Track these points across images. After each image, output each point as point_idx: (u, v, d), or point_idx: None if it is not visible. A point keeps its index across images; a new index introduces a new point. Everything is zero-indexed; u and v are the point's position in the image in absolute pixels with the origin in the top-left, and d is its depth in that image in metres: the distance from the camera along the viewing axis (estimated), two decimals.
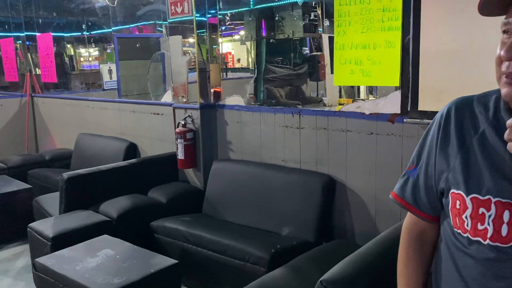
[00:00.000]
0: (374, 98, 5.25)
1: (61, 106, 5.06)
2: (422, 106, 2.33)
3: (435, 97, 2.27)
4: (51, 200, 3.45)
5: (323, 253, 2.36)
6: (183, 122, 3.39)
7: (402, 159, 2.39)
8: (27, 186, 3.88)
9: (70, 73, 8.06)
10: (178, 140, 3.34)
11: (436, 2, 2.20)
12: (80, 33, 7.40)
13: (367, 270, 1.71)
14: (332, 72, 5.88)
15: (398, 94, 2.43)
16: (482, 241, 0.92)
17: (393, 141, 2.43)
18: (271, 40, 6.39)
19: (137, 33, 6.91)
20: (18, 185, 3.86)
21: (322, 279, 1.63)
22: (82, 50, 10.30)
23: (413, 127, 2.34)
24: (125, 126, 4.15)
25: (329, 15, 5.81)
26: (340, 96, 5.91)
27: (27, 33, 5.71)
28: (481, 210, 0.92)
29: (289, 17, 5.77)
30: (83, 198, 3.19)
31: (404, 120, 2.38)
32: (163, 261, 2.36)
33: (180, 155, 3.35)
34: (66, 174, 3.17)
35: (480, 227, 0.92)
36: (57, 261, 2.39)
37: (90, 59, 10.31)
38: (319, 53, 6.49)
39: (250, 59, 8.38)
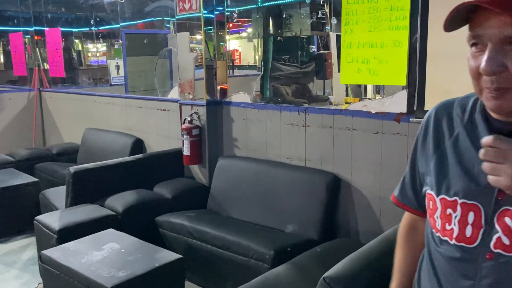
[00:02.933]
0: (381, 98, 5.24)
1: (69, 100, 5.09)
2: (428, 106, 2.32)
3: (442, 96, 2.24)
4: (57, 194, 3.48)
5: (326, 251, 2.37)
6: (189, 119, 3.41)
7: (407, 158, 2.39)
8: (34, 179, 3.92)
9: (78, 68, 8.11)
10: (184, 136, 3.36)
11: (444, 1, 2.19)
12: (88, 29, 7.43)
13: (370, 268, 1.72)
14: (339, 71, 5.88)
15: (404, 94, 2.43)
16: (449, 241, 0.95)
17: (398, 140, 2.43)
18: (278, 38, 6.39)
19: (144, 29, 6.93)
20: (25, 178, 3.90)
21: (325, 276, 1.64)
22: (90, 46, 10.35)
23: (419, 126, 2.33)
24: (132, 122, 4.17)
25: (337, 13, 5.80)
26: (347, 95, 5.90)
27: (36, 27, 5.75)
28: (449, 210, 0.94)
29: (297, 15, 5.76)
30: (89, 192, 3.21)
31: (410, 119, 2.38)
32: (168, 256, 2.38)
33: (186, 151, 3.37)
34: (72, 168, 3.20)
35: (447, 227, 0.95)
36: (63, 253, 2.42)
37: (97, 54, 10.36)
38: (326, 51, 6.48)
39: (257, 57, 8.38)
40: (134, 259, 2.34)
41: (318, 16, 5.61)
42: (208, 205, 3.26)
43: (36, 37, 5.74)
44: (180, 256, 2.38)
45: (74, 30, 7.70)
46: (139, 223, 3.01)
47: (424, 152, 1.03)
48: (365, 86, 5.96)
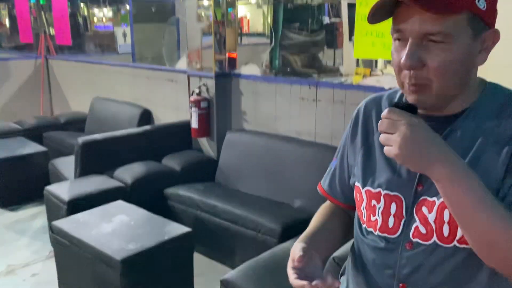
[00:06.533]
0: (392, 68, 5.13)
1: (76, 69, 5.04)
2: None
3: None
4: (66, 163, 3.50)
5: None
6: (197, 91, 3.37)
7: None
8: (43, 148, 3.93)
9: (84, 34, 7.99)
10: (192, 109, 3.33)
11: None
12: None
13: None
14: (350, 40, 5.74)
15: None
16: (374, 232, 0.98)
17: None
18: (288, 6, 6.23)
19: None
20: (34, 148, 3.92)
21: (334, 256, 1.64)
22: (96, 10, 10.18)
23: None
24: (140, 92, 4.14)
25: None
26: (357, 65, 5.79)
27: None
28: (373, 202, 0.97)
29: None
30: (98, 163, 3.22)
31: None
32: (177, 229, 2.39)
33: (194, 124, 3.35)
34: (81, 139, 3.20)
35: (372, 218, 0.98)
36: (74, 225, 2.44)
37: (103, 19, 10.20)
38: (337, 20, 6.32)
39: (266, 24, 8.20)
40: (143, 231, 2.36)
41: None
42: (216, 178, 3.27)
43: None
44: (189, 229, 2.40)
45: None
46: (147, 195, 3.03)
47: (353, 144, 1.05)
48: None
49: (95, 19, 10.26)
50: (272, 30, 6.11)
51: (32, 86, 5.32)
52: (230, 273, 1.98)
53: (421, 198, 0.90)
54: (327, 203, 1.18)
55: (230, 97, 3.35)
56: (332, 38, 6.15)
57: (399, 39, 0.85)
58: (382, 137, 0.81)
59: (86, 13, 9.70)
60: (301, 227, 2.39)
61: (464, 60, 0.82)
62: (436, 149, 0.78)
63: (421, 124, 0.79)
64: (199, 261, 2.74)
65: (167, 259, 2.30)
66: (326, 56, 6.67)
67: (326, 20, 6.13)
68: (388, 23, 2.48)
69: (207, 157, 3.46)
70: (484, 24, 0.83)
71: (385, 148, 0.81)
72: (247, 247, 2.56)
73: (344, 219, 1.14)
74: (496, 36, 0.85)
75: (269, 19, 6.47)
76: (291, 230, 2.41)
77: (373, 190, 0.97)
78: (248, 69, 3.30)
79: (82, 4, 9.22)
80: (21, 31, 5.72)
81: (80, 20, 8.54)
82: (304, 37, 6.45)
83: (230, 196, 2.91)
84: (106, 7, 9.69)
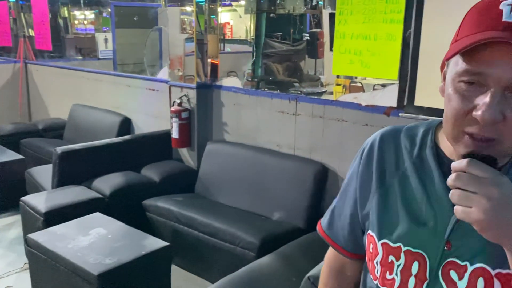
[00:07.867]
0: (371, 79, 5.22)
1: (56, 75, 4.98)
2: (418, 102, 2.33)
3: (432, 93, 2.25)
4: (43, 173, 3.45)
5: (313, 241, 2.40)
6: (178, 101, 3.37)
7: None
8: (19, 156, 3.86)
9: (64, 37, 7.89)
10: (173, 119, 3.32)
11: None
12: None
13: None
14: (330, 50, 5.81)
15: (395, 88, 2.42)
16: None
17: None
18: (271, 15, 6.28)
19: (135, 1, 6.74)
20: (10, 155, 3.84)
21: (309, 275, 1.66)
22: (77, 13, 10.05)
23: (408, 121, 2.34)
24: (120, 100, 4.11)
25: None
26: (338, 76, 5.86)
27: None
28: (391, 258, 0.84)
29: None
30: (76, 173, 3.19)
31: (400, 114, 2.39)
32: (155, 243, 2.39)
33: (175, 134, 3.35)
34: (59, 149, 3.16)
35: (388, 276, 0.84)
36: (50, 238, 2.41)
37: (85, 22, 10.07)
38: (318, 30, 6.39)
39: (249, 32, 8.24)
40: (121, 245, 2.34)
41: None
42: (196, 189, 3.27)
43: None
44: (167, 243, 2.39)
45: None
46: (126, 206, 3.01)
47: (365, 184, 0.91)
48: None
49: (76, 21, 10.13)
50: (254, 41, 6.15)
51: (10, 91, 5.23)
52: None
53: (448, 259, 0.79)
54: (330, 274, 1.03)
55: (211, 108, 3.36)
56: (313, 47, 6.21)
57: (470, 83, 0.69)
58: (457, 194, 0.66)
59: (67, 14, 9.57)
60: (279, 241, 2.42)
61: None
62: None
63: (510, 185, 0.65)
64: (177, 274, 2.73)
65: (145, 273, 2.29)
66: (307, 65, 6.74)
67: (306, 36, 6.22)
68: (365, 42, 2.51)
69: (187, 168, 3.45)
70: None
71: (461, 209, 0.65)
72: (225, 260, 2.57)
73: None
74: None
75: (252, 29, 6.51)
76: (270, 244, 2.43)
77: (391, 245, 0.83)
78: (230, 82, 3.32)
79: (62, 5, 9.09)
80: None
81: (61, 22, 8.41)
82: (286, 46, 6.51)
83: (209, 208, 2.91)
84: (87, 9, 9.59)
